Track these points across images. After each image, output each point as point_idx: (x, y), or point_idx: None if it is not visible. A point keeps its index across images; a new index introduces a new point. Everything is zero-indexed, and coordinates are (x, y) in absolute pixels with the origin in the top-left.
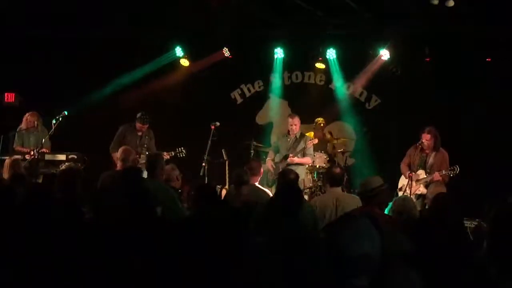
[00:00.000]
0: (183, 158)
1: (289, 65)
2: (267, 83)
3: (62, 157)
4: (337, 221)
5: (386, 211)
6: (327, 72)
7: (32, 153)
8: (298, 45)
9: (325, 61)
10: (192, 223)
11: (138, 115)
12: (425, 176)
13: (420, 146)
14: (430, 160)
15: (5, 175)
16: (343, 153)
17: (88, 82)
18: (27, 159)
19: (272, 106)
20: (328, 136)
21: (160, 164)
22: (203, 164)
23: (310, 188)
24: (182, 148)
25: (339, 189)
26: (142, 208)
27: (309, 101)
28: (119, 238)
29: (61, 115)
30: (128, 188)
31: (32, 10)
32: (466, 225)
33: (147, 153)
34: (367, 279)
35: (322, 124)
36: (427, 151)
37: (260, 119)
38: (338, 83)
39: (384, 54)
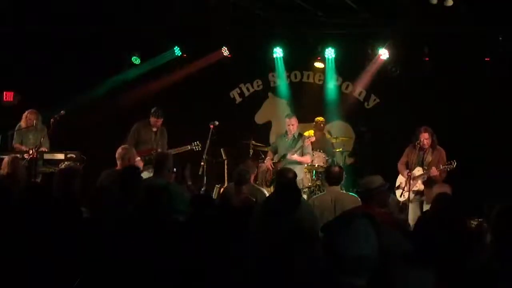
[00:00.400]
0: (185, 156)
1: (288, 64)
2: (266, 82)
3: (60, 156)
4: (335, 221)
5: None
6: (326, 71)
7: (31, 152)
8: (297, 45)
9: (324, 60)
10: (190, 226)
11: (152, 110)
12: (423, 173)
13: (418, 145)
14: (428, 157)
15: (4, 172)
16: (342, 152)
17: (87, 81)
18: (26, 158)
19: (271, 106)
20: (327, 135)
21: (168, 164)
22: (202, 163)
23: (308, 187)
24: (197, 142)
25: (337, 188)
26: (141, 208)
27: (308, 100)
28: (117, 237)
29: (59, 114)
30: (125, 187)
31: (31, 8)
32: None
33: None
34: (365, 278)
35: (322, 124)
36: (425, 149)
37: (259, 119)
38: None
39: (383, 53)
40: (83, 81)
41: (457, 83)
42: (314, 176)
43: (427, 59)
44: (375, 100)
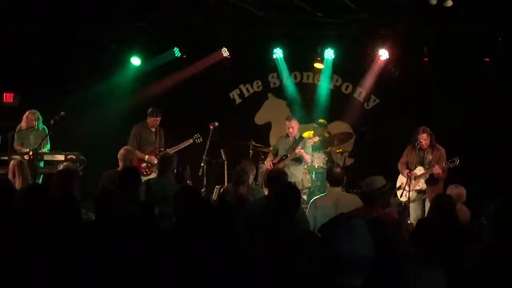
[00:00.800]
0: (183, 153)
1: (287, 65)
2: (265, 83)
3: (61, 157)
4: (331, 222)
5: None
6: (322, 71)
7: (31, 153)
8: (296, 45)
9: (324, 61)
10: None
11: (149, 110)
12: (425, 172)
13: (418, 146)
14: (428, 156)
15: (10, 176)
16: (341, 153)
17: (86, 81)
18: (26, 159)
19: (270, 107)
20: (327, 135)
21: (173, 165)
22: (202, 164)
23: (308, 188)
24: (198, 134)
25: (339, 189)
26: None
27: (308, 101)
28: (117, 238)
29: (59, 115)
30: (125, 187)
31: (31, 9)
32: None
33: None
34: (360, 279)
35: (323, 126)
36: (424, 149)
37: (258, 119)
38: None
39: (383, 54)
40: (83, 82)
41: (457, 83)
42: (314, 177)
43: (426, 59)
44: (374, 100)
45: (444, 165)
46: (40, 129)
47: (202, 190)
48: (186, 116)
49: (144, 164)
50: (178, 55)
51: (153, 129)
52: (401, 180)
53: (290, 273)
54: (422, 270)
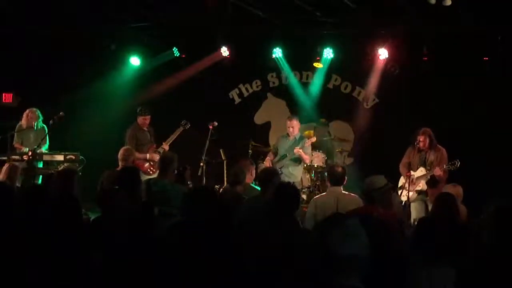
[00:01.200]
0: (182, 153)
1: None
2: (265, 83)
3: (60, 157)
4: (327, 221)
5: None
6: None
7: (30, 153)
8: (296, 45)
9: (322, 60)
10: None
11: (138, 109)
12: (426, 173)
13: (418, 146)
14: (430, 157)
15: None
16: (341, 152)
17: (86, 81)
18: (25, 159)
19: (270, 106)
20: (327, 135)
21: (174, 165)
22: (201, 164)
23: (308, 187)
24: (184, 120)
25: (339, 188)
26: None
27: (308, 101)
28: (118, 238)
29: (58, 115)
30: (125, 187)
31: (31, 9)
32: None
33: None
34: (355, 278)
35: (324, 125)
36: (425, 150)
37: (258, 119)
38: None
39: (382, 53)
40: (82, 82)
41: (456, 83)
42: (313, 176)
43: (426, 59)
44: (374, 100)
45: (445, 167)
46: (40, 127)
47: None
48: (186, 116)
49: (147, 164)
50: (177, 55)
51: (146, 128)
52: (403, 180)
53: (289, 273)
54: (432, 269)
